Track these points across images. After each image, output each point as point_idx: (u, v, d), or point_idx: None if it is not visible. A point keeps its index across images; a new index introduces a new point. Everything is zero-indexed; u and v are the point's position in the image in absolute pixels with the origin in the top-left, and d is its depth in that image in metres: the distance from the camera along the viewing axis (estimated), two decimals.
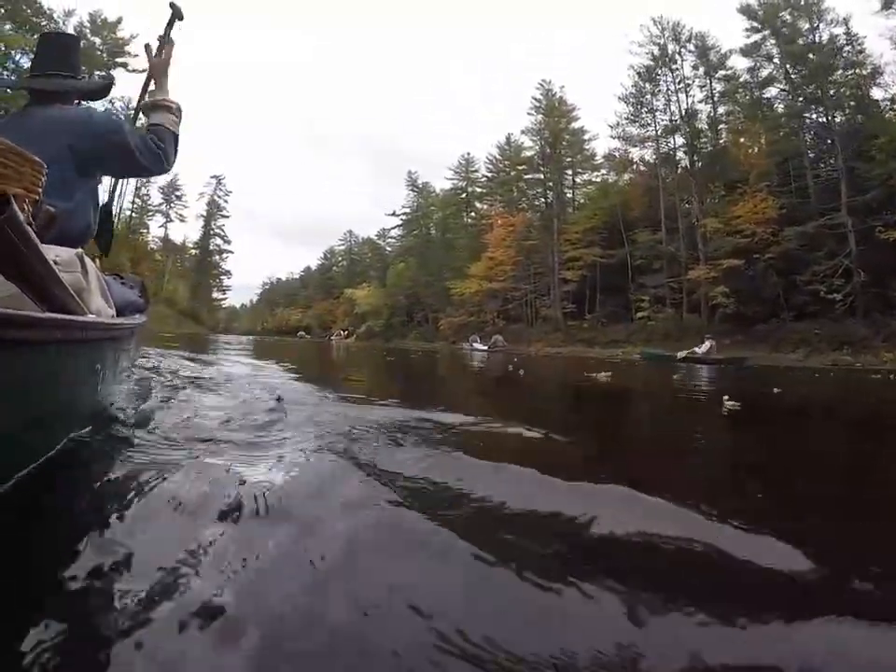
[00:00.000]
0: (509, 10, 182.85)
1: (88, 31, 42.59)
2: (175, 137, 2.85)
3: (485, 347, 30.35)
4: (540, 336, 39.65)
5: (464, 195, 60.83)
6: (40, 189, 1.48)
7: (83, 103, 2.83)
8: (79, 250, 2.11)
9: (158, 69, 2.98)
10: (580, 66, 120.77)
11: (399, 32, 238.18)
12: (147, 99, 3.00)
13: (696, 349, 20.47)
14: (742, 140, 34.79)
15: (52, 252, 1.66)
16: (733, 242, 30.34)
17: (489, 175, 56.92)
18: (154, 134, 2.70)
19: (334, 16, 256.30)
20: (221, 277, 77.81)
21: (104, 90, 2.94)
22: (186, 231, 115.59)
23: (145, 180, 56.01)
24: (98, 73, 37.10)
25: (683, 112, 36.49)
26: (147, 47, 3.04)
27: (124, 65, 43.42)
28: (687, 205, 35.92)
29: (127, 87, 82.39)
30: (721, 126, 36.33)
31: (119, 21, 44.37)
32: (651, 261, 35.74)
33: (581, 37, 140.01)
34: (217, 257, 76.19)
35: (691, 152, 35.50)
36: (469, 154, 60.65)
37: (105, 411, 2.42)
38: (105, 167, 2.65)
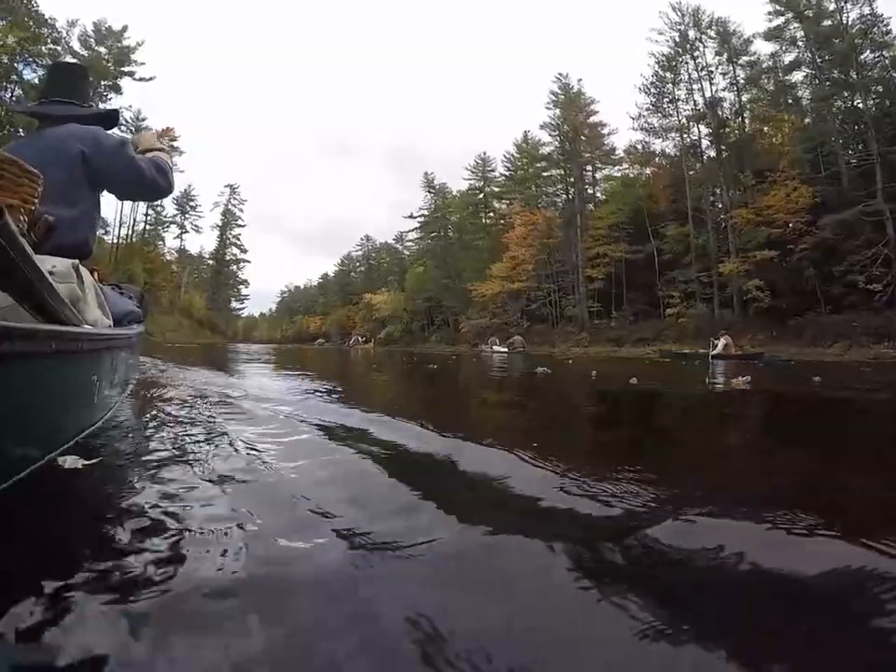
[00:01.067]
0: (524, 8, 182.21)
1: (93, 40, 42.61)
2: (171, 168, 3.01)
3: (505, 349, 30.08)
4: (565, 336, 38.75)
5: (481, 195, 60.01)
6: (36, 200, 1.60)
7: None
8: (75, 261, 2.11)
9: (145, 139, 3.15)
10: (596, 60, 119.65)
11: (420, 34, 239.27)
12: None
13: (716, 344, 19.31)
14: (768, 127, 33.54)
15: (48, 263, 1.71)
16: (765, 233, 29.19)
17: (507, 173, 55.97)
18: (156, 159, 2.89)
19: (353, 21, 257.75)
20: (238, 287, 77.64)
21: (111, 118, 3.04)
22: (202, 242, 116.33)
23: None
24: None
25: (707, 100, 35.42)
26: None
27: (131, 74, 43.33)
28: (712, 197, 34.84)
29: (134, 96, 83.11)
30: (746, 114, 35.16)
31: (125, 29, 44.28)
32: (680, 256, 34.69)
33: (597, 31, 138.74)
34: (234, 266, 75.97)
35: (717, 141, 34.36)
36: (485, 153, 59.87)
37: (103, 420, 2.43)
38: (111, 182, 2.74)
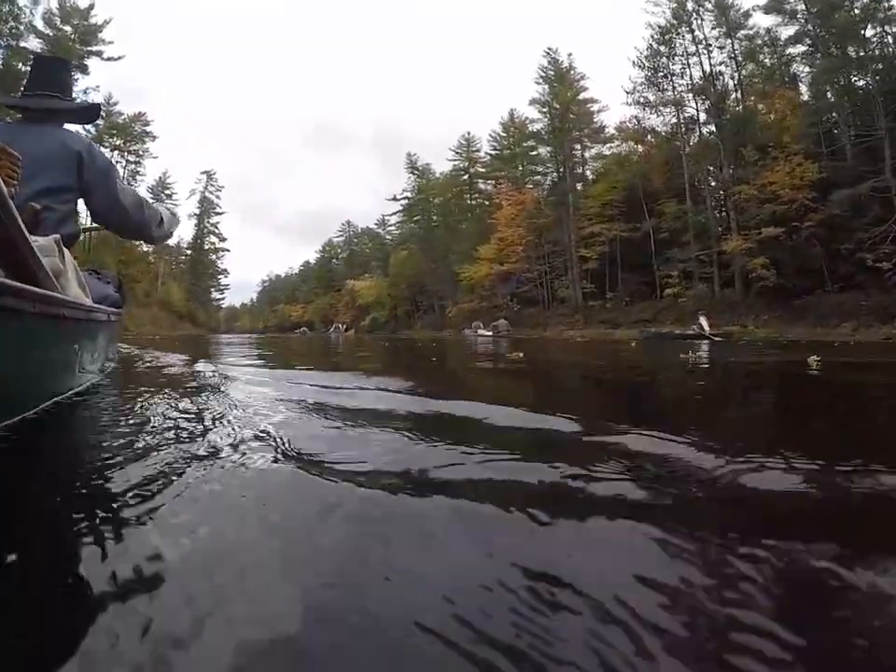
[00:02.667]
0: None
1: (58, 19, 40.25)
2: (165, 223, 3.36)
3: (489, 333, 30.06)
4: (558, 319, 37.59)
5: (466, 176, 58.60)
6: (16, 183, 1.77)
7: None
8: (57, 236, 2.13)
9: None
10: (584, 37, 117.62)
11: (401, 15, 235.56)
12: None
13: (702, 324, 19.63)
14: (767, 102, 32.17)
15: (31, 238, 1.65)
16: (769, 209, 28.00)
17: (493, 152, 54.56)
18: (155, 207, 3.32)
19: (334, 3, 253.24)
20: (218, 276, 75.45)
21: (92, 112, 3.21)
22: (180, 232, 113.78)
23: (130, 176, 53.64)
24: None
25: (706, 74, 34.12)
26: None
27: (98, 54, 41.19)
28: (711, 173, 33.66)
29: (101, 76, 79.99)
30: (745, 88, 33.77)
31: (91, 6, 41.92)
32: (678, 234, 33.50)
33: (585, 6, 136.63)
34: (213, 255, 73.70)
35: (716, 115, 32.97)
36: (469, 133, 58.47)
37: (83, 387, 2.55)
38: (90, 198, 2.84)
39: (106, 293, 3.17)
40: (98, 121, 5.55)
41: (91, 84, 40.64)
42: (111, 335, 3.57)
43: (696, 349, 10.45)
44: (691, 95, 35.17)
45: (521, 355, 8.27)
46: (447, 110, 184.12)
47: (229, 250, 75.01)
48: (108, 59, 41.98)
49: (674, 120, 36.76)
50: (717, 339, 17.09)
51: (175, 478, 1.22)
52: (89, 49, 41.15)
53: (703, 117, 34.98)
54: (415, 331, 48.49)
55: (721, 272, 31.17)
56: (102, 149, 3.00)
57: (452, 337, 30.52)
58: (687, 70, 35.41)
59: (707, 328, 19.23)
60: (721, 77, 34.26)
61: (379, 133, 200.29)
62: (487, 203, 53.61)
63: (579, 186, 42.27)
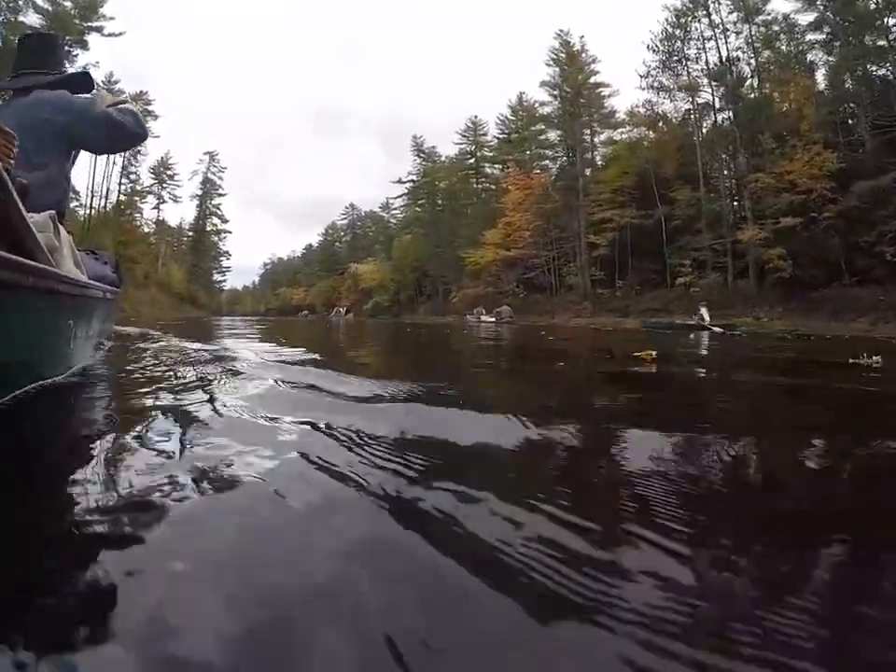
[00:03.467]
0: None
1: None
2: (135, 117, 3.06)
3: (493, 319, 29.94)
4: (566, 306, 37.00)
5: (472, 159, 57.73)
6: (12, 161, 1.66)
7: None
8: (52, 212, 2.14)
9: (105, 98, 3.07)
10: (594, 21, 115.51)
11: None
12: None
13: (703, 314, 19.71)
14: (785, 90, 31.25)
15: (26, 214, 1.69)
16: (786, 199, 27.30)
17: (501, 136, 53.72)
18: (128, 108, 3.04)
19: None
20: (220, 258, 74.66)
21: (83, 83, 3.11)
22: (182, 213, 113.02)
23: (131, 156, 52.80)
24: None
25: (723, 59, 33.27)
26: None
27: (99, 30, 40.11)
28: (725, 160, 32.89)
29: (103, 54, 78.45)
30: (762, 74, 32.84)
31: None
32: (691, 222, 32.77)
33: None
34: (215, 237, 72.84)
35: (733, 101, 32.11)
36: (476, 117, 57.50)
37: (78, 367, 2.60)
38: (90, 140, 2.92)
39: (103, 273, 3.15)
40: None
41: (91, 60, 39.56)
42: (107, 314, 3.59)
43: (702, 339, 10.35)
44: (706, 80, 34.29)
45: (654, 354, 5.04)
46: (450, 97, 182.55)
47: (231, 232, 74.37)
48: (109, 35, 40.84)
49: (688, 106, 36.04)
50: (718, 330, 16.92)
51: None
52: (89, 24, 39.97)
53: (718, 103, 34.10)
54: (418, 316, 48.00)
55: (734, 262, 30.49)
56: (81, 95, 2.96)
57: (455, 323, 29.85)
58: (702, 55, 34.61)
59: (707, 318, 19.25)
60: (737, 63, 33.34)
61: (382, 119, 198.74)
62: (493, 187, 52.90)
63: (588, 171, 41.33)
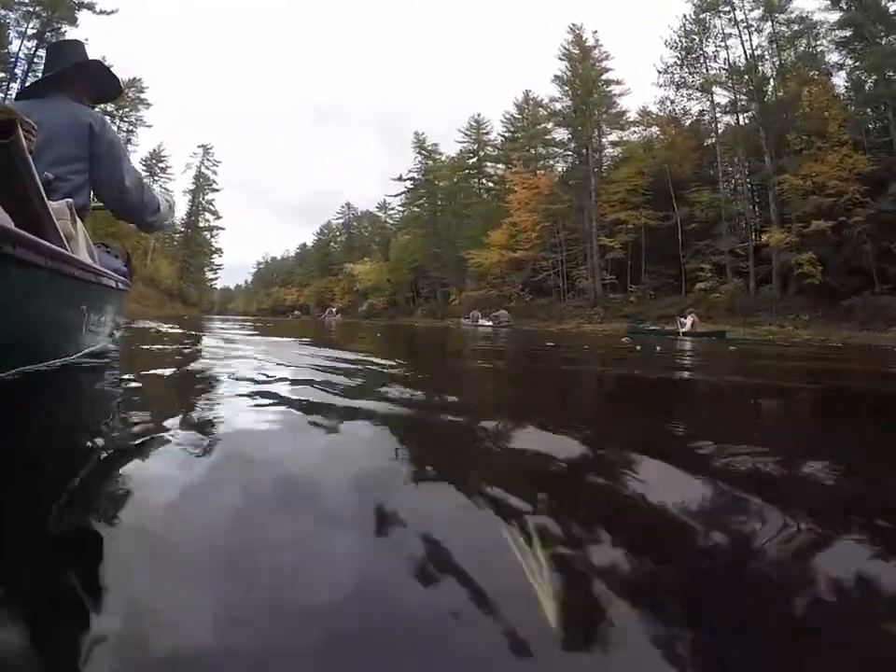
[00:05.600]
0: None
1: None
2: (161, 212, 3.35)
3: (489, 323, 28.81)
4: (574, 311, 35.44)
5: (475, 158, 56.32)
6: (30, 153, 1.61)
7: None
8: (69, 200, 2.20)
9: None
10: (600, 19, 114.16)
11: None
12: None
13: (683, 321, 19.86)
14: (809, 90, 29.83)
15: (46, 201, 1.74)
16: (814, 202, 25.89)
17: (507, 134, 52.29)
18: (156, 193, 3.33)
19: None
20: (213, 256, 72.57)
21: (114, 91, 3.27)
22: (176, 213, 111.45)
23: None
24: None
25: (747, 56, 31.89)
26: None
27: (91, 7, 38.24)
28: (748, 162, 31.43)
29: (93, 31, 75.84)
30: (786, 73, 31.37)
31: None
32: (710, 225, 31.26)
33: None
34: (208, 233, 70.71)
35: (758, 100, 30.62)
36: (479, 115, 56.02)
37: (90, 349, 2.64)
38: (97, 162, 2.77)
39: (115, 266, 3.21)
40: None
41: (81, 36, 37.75)
42: (118, 304, 3.59)
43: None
44: (728, 78, 32.82)
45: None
46: (450, 97, 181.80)
47: (224, 228, 72.08)
48: (101, 12, 38.91)
49: (706, 105, 34.63)
50: (706, 337, 17.04)
51: None
52: (80, 0, 38.28)
53: (741, 101, 32.62)
54: (414, 319, 46.70)
55: (757, 267, 29.02)
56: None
57: (452, 327, 28.51)
58: (724, 52, 33.38)
59: (689, 326, 19.41)
60: (763, 61, 31.92)
61: (380, 118, 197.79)
62: (496, 186, 51.56)
63: (599, 170, 39.73)
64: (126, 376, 2.19)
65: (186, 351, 3.89)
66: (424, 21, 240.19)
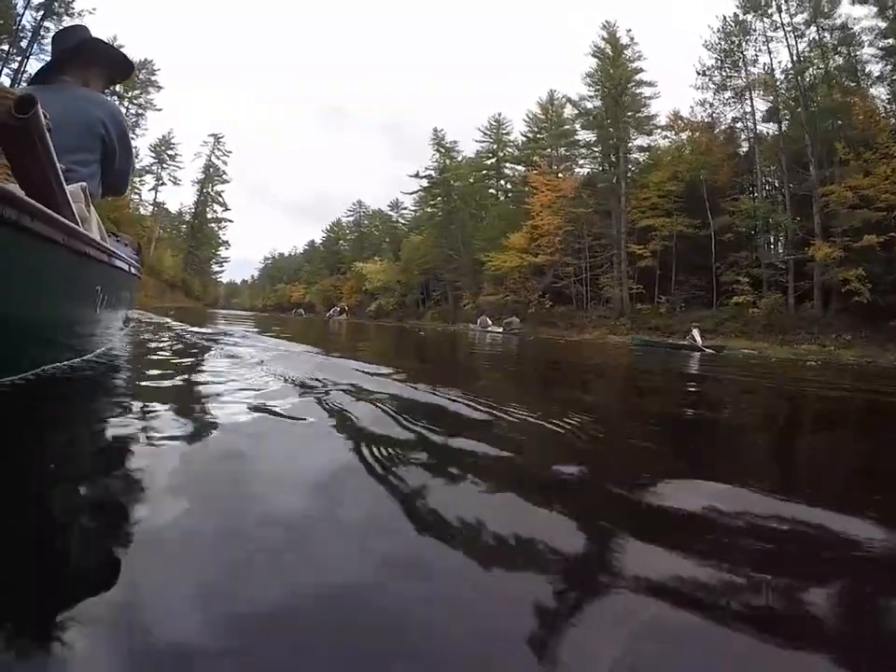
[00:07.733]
0: None
1: None
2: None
3: (500, 329, 27.39)
4: (599, 321, 33.87)
5: (494, 159, 54.82)
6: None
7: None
8: (83, 183, 2.20)
9: None
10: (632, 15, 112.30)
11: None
12: None
13: (695, 335, 19.64)
14: (855, 98, 28.25)
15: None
16: (863, 215, 24.37)
17: (529, 134, 50.63)
18: None
19: None
20: (219, 248, 71.23)
21: (125, 70, 3.14)
22: (181, 198, 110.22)
23: (128, 128, 49.63)
24: None
25: (793, 61, 30.43)
26: None
27: None
28: (790, 172, 29.91)
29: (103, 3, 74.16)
30: (832, 80, 29.78)
31: None
32: (749, 237, 29.68)
33: None
34: (215, 225, 69.38)
35: (805, 106, 29.04)
36: (500, 114, 54.49)
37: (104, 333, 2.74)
38: (113, 161, 2.77)
39: (126, 255, 3.16)
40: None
41: (88, 7, 36.19)
42: (131, 290, 3.65)
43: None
44: (772, 82, 31.31)
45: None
46: (464, 99, 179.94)
47: (231, 221, 70.93)
48: None
49: (741, 111, 33.12)
50: (710, 352, 16.85)
51: None
52: None
53: (783, 108, 31.12)
54: (424, 321, 45.33)
55: (797, 282, 27.48)
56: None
57: (461, 332, 27.12)
58: (764, 56, 31.84)
59: (699, 340, 19.21)
60: (810, 66, 30.32)
61: (386, 121, 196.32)
62: (515, 189, 50.10)
63: (629, 174, 38.08)
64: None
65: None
66: (429, 25, 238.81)
